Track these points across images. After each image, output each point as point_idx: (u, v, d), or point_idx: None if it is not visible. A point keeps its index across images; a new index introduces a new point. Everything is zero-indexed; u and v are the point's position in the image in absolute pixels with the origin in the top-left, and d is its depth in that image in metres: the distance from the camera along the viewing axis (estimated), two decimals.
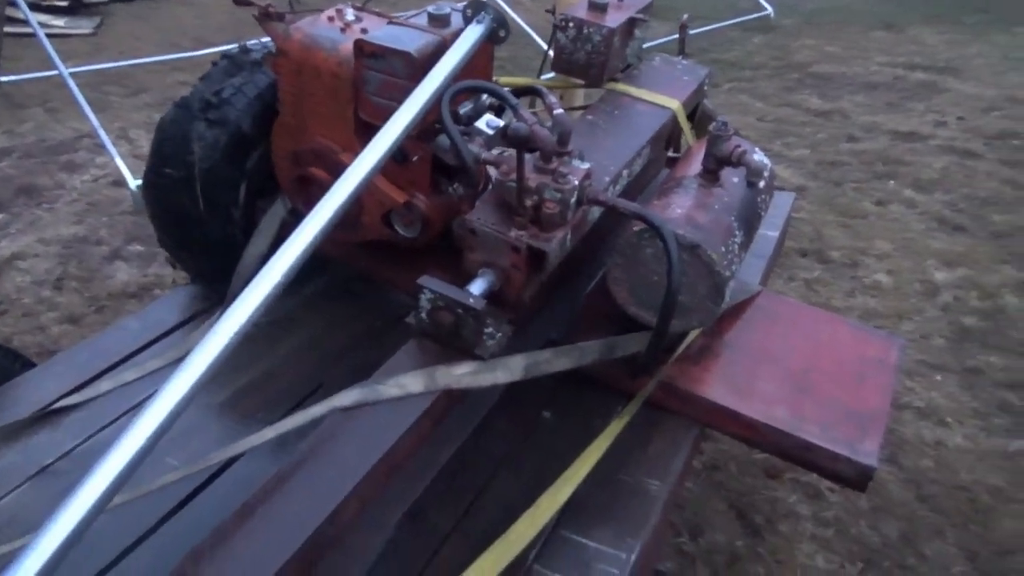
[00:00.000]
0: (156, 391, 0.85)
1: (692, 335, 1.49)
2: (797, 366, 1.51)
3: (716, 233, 1.32)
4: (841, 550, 1.85)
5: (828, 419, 1.39)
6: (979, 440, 2.14)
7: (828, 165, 3.80)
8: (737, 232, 1.37)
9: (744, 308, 1.65)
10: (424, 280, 1.17)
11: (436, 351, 1.18)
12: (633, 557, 1.18)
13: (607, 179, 1.38)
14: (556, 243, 1.20)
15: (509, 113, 1.30)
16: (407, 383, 1.11)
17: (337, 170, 1.15)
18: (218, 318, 0.92)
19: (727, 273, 1.31)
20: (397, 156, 1.38)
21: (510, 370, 1.20)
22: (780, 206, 2.25)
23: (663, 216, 1.31)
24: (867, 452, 1.33)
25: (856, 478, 1.34)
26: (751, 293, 1.68)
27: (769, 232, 2.10)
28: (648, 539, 1.23)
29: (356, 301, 1.73)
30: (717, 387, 1.44)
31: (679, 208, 1.34)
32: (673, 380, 1.44)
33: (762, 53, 5.47)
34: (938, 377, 2.38)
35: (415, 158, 1.41)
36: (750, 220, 1.43)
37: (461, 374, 1.15)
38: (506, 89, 1.33)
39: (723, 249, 1.31)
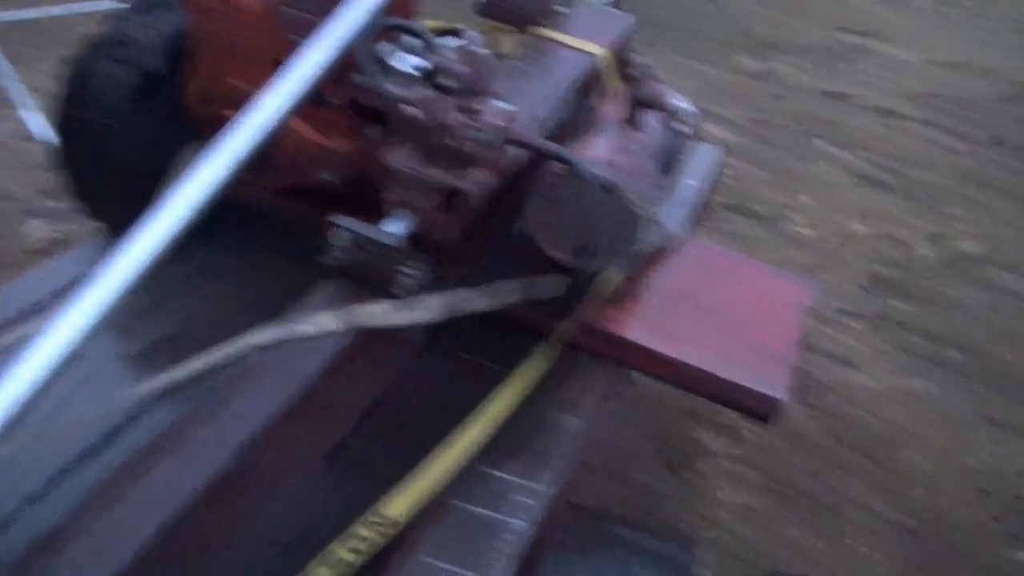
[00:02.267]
0: (38, 333, 0.83)
1: (613, 278, 1.53)
2: (714, 307, 1.56)
3: (634, 175, 1.34)
4: (755, 485, 1.95)
5: (740, 356, 1.46)
6: (886, 380, 2.26)
7: (758, 123, 3.89)
8: (656, 175, 1.40)
9: (667, 253, 1.70)
10: (336, 218, 1.17)
11: (353, 290, 1.19)
12: (548, 489, 1.23)
13: (529, 121, 1.39)
14: (475, 184, 1.21)
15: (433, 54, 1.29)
16: (323, 321, 1.12)
17: None
18: (106, 260, 0.90)
19: (644, 215, 1.34)
20: (314, 97, 1.36)
21: (429, 309, 1.22)
22: (708, 157, 2.30)
23: (582, 156, 1.33)
24: (775, 386, 1.40)
25: (765, 411, 1.41)
26: (674, 239, 1.73)
27: (694, 182, 2.15)
28: (563, 472, 1.28)
29: (281, 249, 1.71)
30: (634, 327, 1.48)
31: (598, 150, 1.36)
32: (592, 321, 1.48)
33: (700, 14, 5.51)
34: (852, 323, 2.50)
35: (333, 99, 1.39)
36: (669, 165, 1.47)
37: (378, 312, 1.16)
38: (428, 28, 1.32)
39: (641, 191, 1.34)
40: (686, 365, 1.43)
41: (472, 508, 1.19)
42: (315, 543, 1.09)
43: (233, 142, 1.04)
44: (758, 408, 1.41)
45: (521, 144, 1.25)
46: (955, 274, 2.71)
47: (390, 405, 1.33)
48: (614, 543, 1.10)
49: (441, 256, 1.27)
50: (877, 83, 4.34)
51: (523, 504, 1.20)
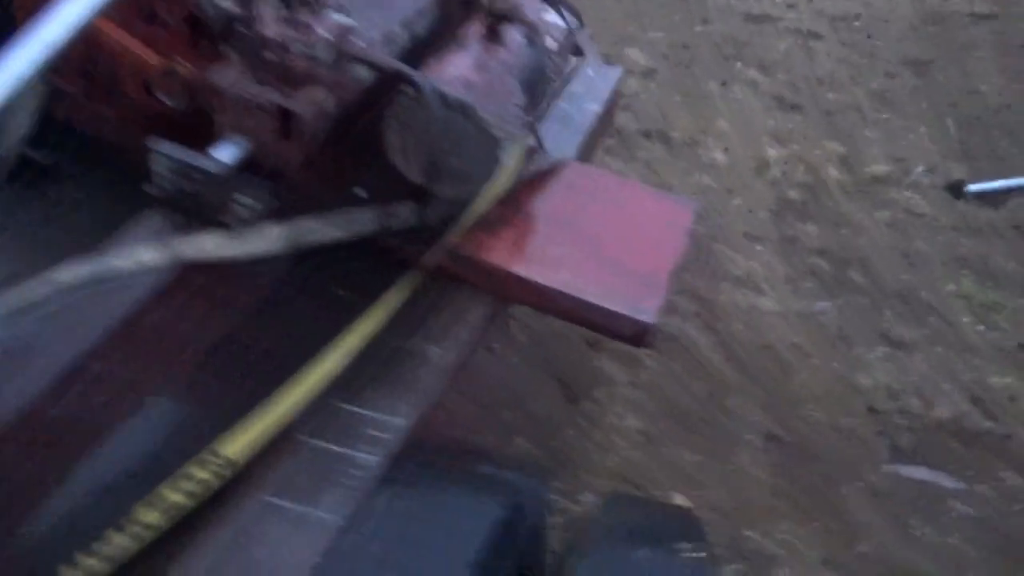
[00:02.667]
0: None
1: (484, 203, 1.46)
2: (591, 232, 1.52)
3: (492, 94, 1.28)
4: (651, 410, 1.95)
5: (612, 280, 1.42)
6: (788, 303, 2.28)
7: (680, 47, 3.80)
8: (519, 94, 1.33)
9: (547, 178, 1.64)
10: (154, 143, 1.08)
11: (178, 221, 1.11)
12: (404, 421, 1.19)
13: (377, 36, 1.30)
14: (309, 105, 1.13)
15: None
16: (143, 255, 1.04)
17: None
18: None
19: (503, 136, 1.28)
20: (147, 13, 1.25)
21: (268, 240, 1.15)
22: (606, 80, 2.23)
23: (436, 76, 1.25)
24: (645, 309, 1.37)
25: (635, 336, 1.39)
26: (553, 163, 1.67)
27: (590, 105, 2.08)
28: (423, 404, 1.24)
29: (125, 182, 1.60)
30: (506, 254, 1.43)
31: (453, 68, 1.28)
32: (461, 248, 1.43)
33: None
34: (758, 247, 2.50)
35: (167, 16, 1.28)
36: (535, 83, 1.40)
37: (207, 245, 1.09)
38: None
39: (499, 111, 1.28)
40: (556, 292, 1.39)
41: (321, 444, 1.14)
42: (150, 486, 1.04)
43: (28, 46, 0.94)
44: (630, 333, 1.39)
45: (359, 61, 1.16)
46: (861, 196, 2.72)
47: (243, 341, 1.27)
48: (456, 476, 1.08)
49: (283, 184, 1.19)
50: (801, 4, 4.28)
51: (375, 438, 1.16)
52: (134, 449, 1.07)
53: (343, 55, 1.14)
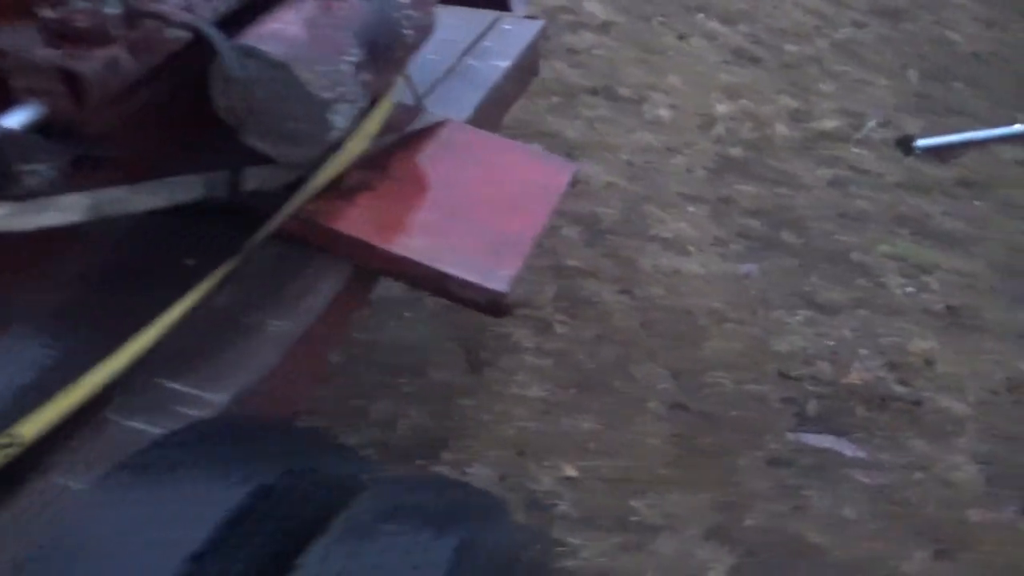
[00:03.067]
0: None
1: (337, 168, 1.40)
2: (457, 196, 1.46)
3: (316, 50, 1.20)
4: (556, 378, 1.90)
5: (468, 247, 1.36)
6: (713, 266, 2.20)
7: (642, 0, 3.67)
8: (353, 51, 1.25)
9: (421, 140, 1.57)
10: None
11: None
12: (227, 398, 1.15)
13: None
14: (98, 65, 1.06)
15: None
16: None
17: None
18: None
19: (329, 96, 1.20)
20: None
21: (66, 210, 1.09)
22: (522, 35, 2.13)
23: (256, 33, 1.18)
24: (499, 278, 1.31)
25: (488, 305, 1.33)
26: (431, 123, 1.60)
27: (499, 62, 1.99)
28: (257, 380, 1.20)
29: None
30: (359, 221, 1.37)
31: (277, 23, 1.21)
32: (317, 216, 1.37)
33: None
34: (691, 208, 2.41)
35: None
36: (379, 39, 1.32)
37: None
38: None
39: (324, 69, 1.20)
40: (409, 260, 1.33)
41: (128, 422, 1.11)
42: None
43: None
44: (483, 302, 1.33)
45: (147, 16, 1.09)
46: (808, 153, 2.62)
47: (75, 312, 1.23)
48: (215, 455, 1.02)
49: (87, 149, 1.13)
50: None
51: (187, 416, 1.12)
52: None
53: (132, 12, 1.07)
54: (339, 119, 1.25)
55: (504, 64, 2.00)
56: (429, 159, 1.53)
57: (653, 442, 1.74)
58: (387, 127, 1.52)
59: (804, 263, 2.18)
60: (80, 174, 1.13)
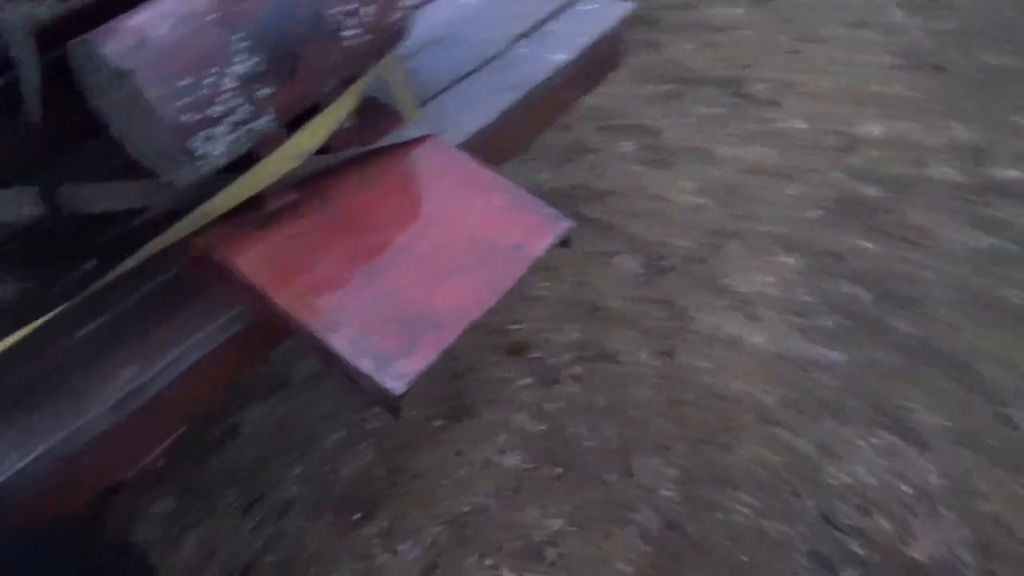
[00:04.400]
0: None
1: (246, 192, 1.13)
2: (390, 246, 1.15)
3: (182, 56, 0.92)
4: (542, 451, 1.59)
5: (375, 321, 1.06)
6: (784, 343, 1.74)
7: None
8: (242, 59, 0.96)
9: (382, 161, 1.27)
10: None
11: None
12: (27, 462, 0.96)
13: None
14: None
15: None
16: None
17: None
18: None
19: (188, 118, 0.93)
20: None
21: None
22: (596, 20, 1.72)
23: (115, 26, 0.92)
24: (395, 374, 1.01)
25: (382, 402, 1.04)
26: (399, 139, 1.29)
27: (554, 55, 1.61)
28: (77, 445, 0.99)
29: None
30: (258, 261, 1.11)
31: (145, 15, 0.94)
32: (209, 245, 1.12)
33: None
34: (785, 258, 1.93)
35: None
36: (292, 42, 1.01)
37: None
38: None
39: (187, 83, 0.92)
40: (295, 322, 1.06)
41: None
42: None
43: None
44: (372, 395, 1.04)
45: None
46: (966, 209, 2.01)
47: None
48: None
49: None
50: None
51: None
52: None
53: None
54: (208, 146, 0.97)
55: (560, 58, 1.62)
56: (379, 189, 1.22)
57: (623, 570, 1.40)
58: (342, 140, 1.24)
59: (910, 365, 1.67)
60: None
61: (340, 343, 1.04)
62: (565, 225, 1.19)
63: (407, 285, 1.11)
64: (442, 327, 1.07)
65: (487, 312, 1.10)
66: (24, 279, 1.10)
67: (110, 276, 1.04)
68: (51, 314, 1.00)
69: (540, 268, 1.86)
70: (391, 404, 1.02)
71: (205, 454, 1.60)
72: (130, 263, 1.06)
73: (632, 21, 1.78)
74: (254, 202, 1.15)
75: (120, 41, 0.90)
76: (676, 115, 2.40)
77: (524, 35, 1.70)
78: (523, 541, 1.45)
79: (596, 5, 1.79)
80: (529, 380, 1.71)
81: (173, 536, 1.46)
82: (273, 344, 1.19)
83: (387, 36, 1.15)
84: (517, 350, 1.77)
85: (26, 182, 1.03)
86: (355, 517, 1.49)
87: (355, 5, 1.07)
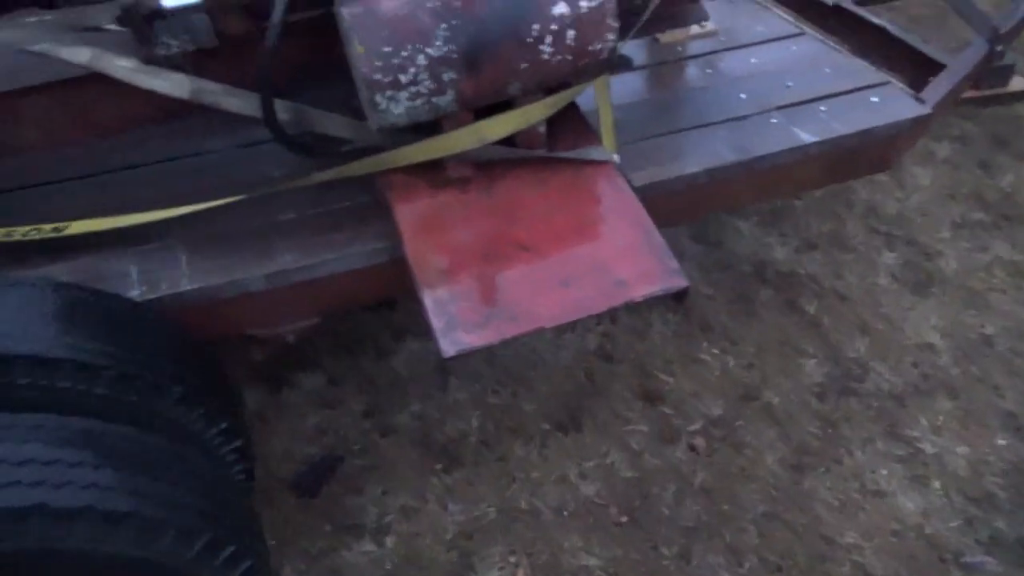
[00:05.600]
0: None
1: (427, 155, 1.32)
2: (527, 240, 1.28)
3: (395, 29, 1.14)
4: (616, 493, 1.59)
5: (468, 290, 1.20)
6: (932, 522, 1.50)
7: None
8: (439, 44, 1.15)
9: (566, 171, 1.38)
10: None
11: (125, 41, 1.31)
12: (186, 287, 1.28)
13: None
14: None
15: None
16: (79, 52, 1.29)
17: None
18: None
19: (379, 77, 1.14)
20: None
21: (174, 84, 1.29)
22: (859, 112, 1.62)
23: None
24: (455, 340, 1.15)
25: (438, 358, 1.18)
26: (580, 156, 1.38)
27: (802, 133, 1.57)
28: None
29: None
30: (414, 212, 1.32)
31: None
32: (391, 188, 1.35)
33: None
34: (1001, 441, 1.64)
35: None
36: (490, 45, 1.17)
37: (122, 66, 1.29)
38: None
39: (389, 50, 1.14)
40: (407, 264, 1.24)
41: None
42: None
43: None
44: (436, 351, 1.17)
45: None
46: None
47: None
48: None
49: (227, 48, 1.29)
50: None
51: None
52: None
53: None
54: (391, 104, 1.19)
55: (805, 138, 1.58)
56: (540, 192, 1.35)
57: None
58: (529, 139, 1.38)
59: None
60: (196, 63, 1.32)
61: (429, 298, 1.20)
62: (676, 281, 1.21)
63: (515, 278, 1.23)
64: (515, 321, 1.17)
65: (558, 326, 1.18)
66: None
67: (315, 179, 1.33)
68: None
69: (722, 336, 1.87)
70: (441, 360, 1.16)
71: (377, 357, 1.88)
72: (328, 175, 1.34)
73: (924, 125, 1.65)
74: (435, 166, 1.36)
75: (356, 6, 1.14)
76: (970, 247, 2.11)
77: (784, 107, 1.67)
78: (553, 560, 1.49)
79: (879, 99, 1.67)
80: (645, 428, 1.71)
81: (301, 406, 1.76)
82: (398, 288, 1.38)
83: (590, 61, 1.26)
84: (652, 397, 1.77)
85: (289, 98, 1.36)
86: (436, 466, 1.66)
87: (558, 26, 1.20)
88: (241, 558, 1.03)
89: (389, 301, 1.98)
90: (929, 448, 1.64)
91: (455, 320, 1.18)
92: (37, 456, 0.89)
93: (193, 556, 0.96)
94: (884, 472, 1.60)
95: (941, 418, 1.69)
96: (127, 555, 0.91)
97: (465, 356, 1.15)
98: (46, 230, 1.31)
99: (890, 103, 1.67)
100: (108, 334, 1.08)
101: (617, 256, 1.25)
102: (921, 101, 1.67)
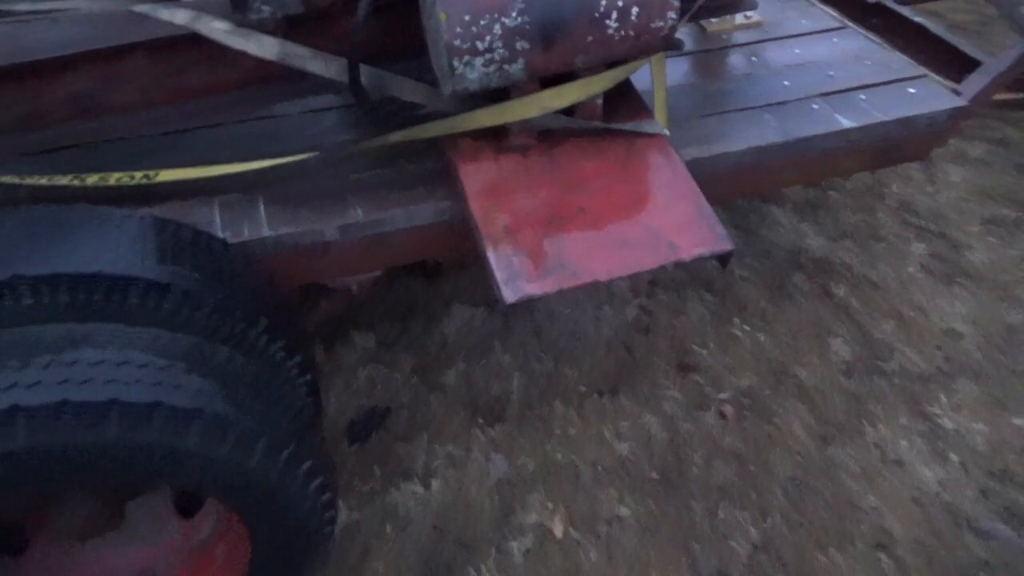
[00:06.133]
0: None
1: (489, 122, 1.42)
2: (586, 205, 1.37)
3: (477, 1, 1.24)
4: (649, 453, 1.69)
5: (529, 249, 1.30)
6: (950, 491, 1.58)
7: None
8: (515, 14, 1.25)
9: (623, 142, 1.47)
10: None
11: (223, 5, 1.42)
12: (266, 234, 1.39)
13: None
14: None
15: None
16: (179, 14, 1.41)
17: None
18: None
19: (458, 44, 1.25)
20: None
21: (264, 47, 1.40)
22: (897, 101, 1.70)
23: None
24: (517, 288, 1.25)
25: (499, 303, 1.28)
26: (636, 129, 1.48)
27: (843, 119, 1.65)
28: None
29: None
30: (478, 174, 1.42)
31: None
32: (458, 151, 1.46)
33: None
34: (1020, 421, 1.71)
35: None
36: (560, 21, 1.27)
37: (218, 27, 1.40)
38: None
39: (469, 18, 1.24)
40: (473, 220, 1.34)
41: None
42: None
43: None
44: (496, 294, 1.27)
45: None
46: None
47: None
48: None
49: (313, 14, 1.40)
50: None
51: None
52: None
53: None
54: (466, 70, 1.29)
55: (845, 123, 1.66)
56: (599, 161, 1.45)
57: None
58: (587, 111, 1.48)
59: None
60: (286, 27, 1.43)
61: (492, 252, 1.30)
62: (724, 245, 1.30)
63: (573, 238, 1.33)
64: (573, 275, 1.27)
65: (612, 280, 1.28)
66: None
67: (390, 139, 1.44)
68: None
69: (756, 316, 1.95)
70: (499, 302, 1.26)
71: (427, 322, 1.99)
72: (402, 135, 1.44)
73: (960, 117, 1.73)
74: (500, 132, 1.46)
75: None
76: (998, 242, 2.18)
77: (826, 94, 1.75)
78: (588, 509, 1.59)
79: (916, 91, 1.75)
80: (678, 395, 1.80)
81: (353, 363, 1.87)
82: (458, 248, 1.48)
83: (650, 38, 1.35)
84: (686, 368, 1.86)
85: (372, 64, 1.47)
86: (480, 420, 1.76)
87: (624, 3, 1.29)
88: (316, 473, 1.15)
89: (438, 270, 2.08)
90: (949, 424, 1.72)
91: (516, 271, 1.28)
92: (153, 363, 1.00)
93: (282, 465, 1.07)
94: (905, 444, 1.68)
95: (962, 398, 1.77)
96: (228, 459, 1.02)
97: (525, 303, 1.25)
98: (138, 177, 1.43)
99: (927, 95, 1.75)
100: (206, 267, 1.20)
101: (669, 221, 1.34)
102: (958, 94, 1.75)
